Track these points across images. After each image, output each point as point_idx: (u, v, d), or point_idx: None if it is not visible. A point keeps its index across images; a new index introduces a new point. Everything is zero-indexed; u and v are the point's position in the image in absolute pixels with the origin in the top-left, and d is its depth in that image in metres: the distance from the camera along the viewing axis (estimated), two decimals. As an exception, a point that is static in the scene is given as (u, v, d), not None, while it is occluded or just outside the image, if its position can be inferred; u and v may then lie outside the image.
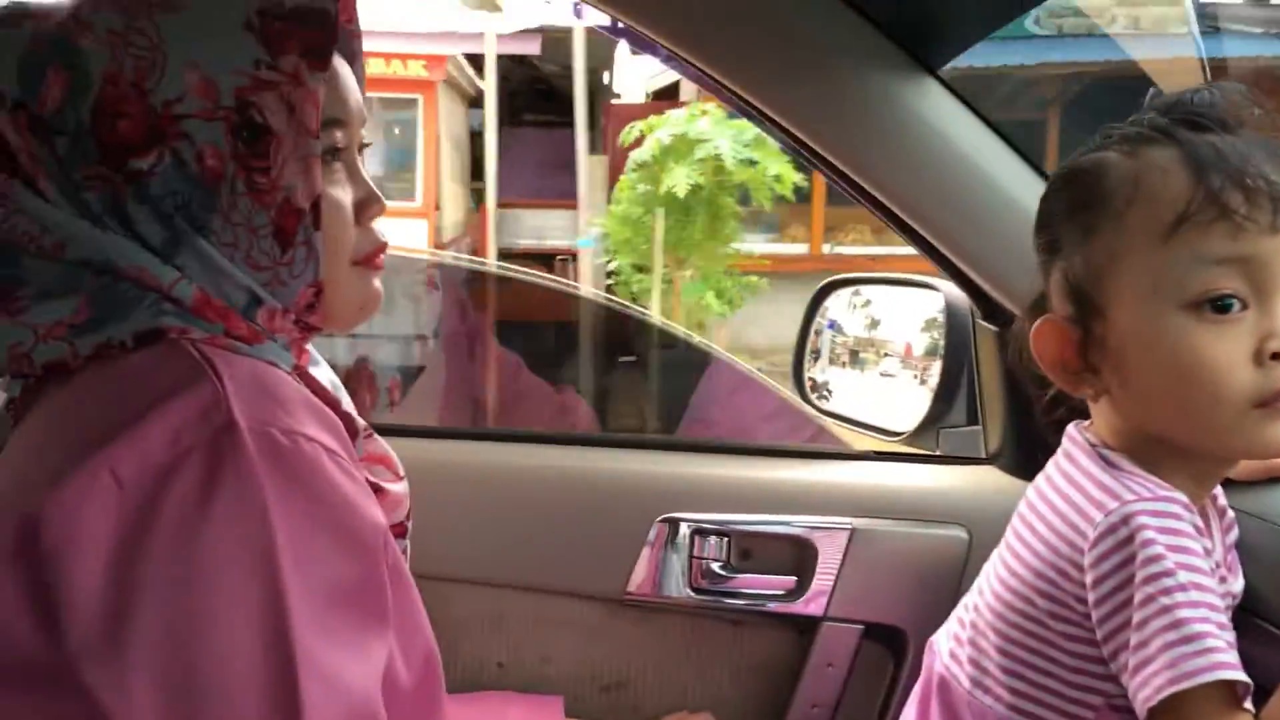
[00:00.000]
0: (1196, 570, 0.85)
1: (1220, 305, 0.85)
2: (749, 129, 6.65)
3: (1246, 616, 0.98)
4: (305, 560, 0.69)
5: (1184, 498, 0.89)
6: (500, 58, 9.95)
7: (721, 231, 7.07)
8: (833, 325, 1.70)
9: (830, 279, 1.66)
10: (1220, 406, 0.86)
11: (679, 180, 6.63)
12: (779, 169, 6.72)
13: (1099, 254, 0.90)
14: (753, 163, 6.70)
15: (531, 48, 9.97)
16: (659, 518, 1.41)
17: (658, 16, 1.22)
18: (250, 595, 0.66)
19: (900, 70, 1.23)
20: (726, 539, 1.41)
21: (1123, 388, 0.92)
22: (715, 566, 1.41)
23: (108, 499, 0.66)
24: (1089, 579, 0.88)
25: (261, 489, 0.68)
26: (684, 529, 1.41)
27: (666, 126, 6.89)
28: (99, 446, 0.67)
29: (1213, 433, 0.88)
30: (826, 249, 9.94)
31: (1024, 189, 1.21)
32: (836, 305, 1.69)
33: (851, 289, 1.68)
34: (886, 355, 1.58)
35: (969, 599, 1.06)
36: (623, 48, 9.59)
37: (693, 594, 1.41)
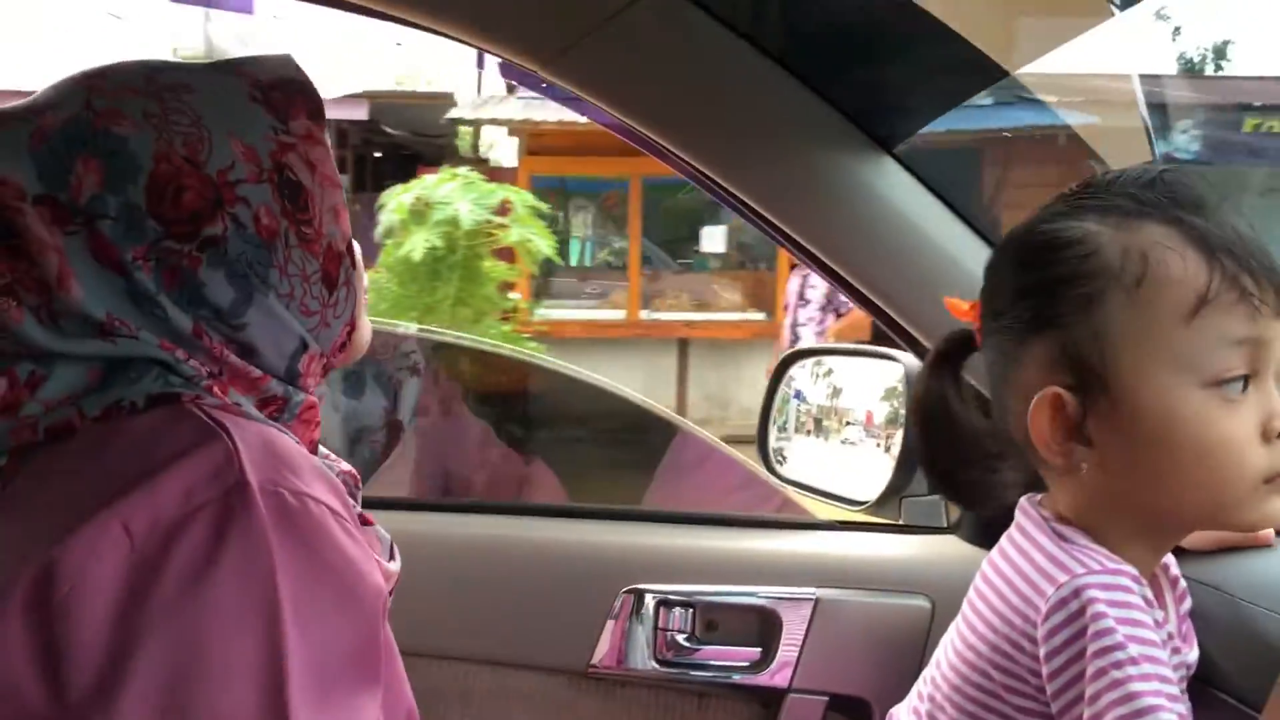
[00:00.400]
0: (1148, 643, 0.86)
1: (1232, 385, 0.87)
2: (492, 192, 6.67)
3: (1202, 686, 0.99)
4: (308, 621, 0.69)
5: (1133, 570, 0.90)
6: (358, 123, 10.15)
7: (477, 294, 6.95)
8: (799, 395, 1.72)
9: (792, 350, 1.68)
10: (1236, 483, 0.88)
11: (417, 244, 6.57)
12: (531, 236, 6.71)
13: (1110, 328, 0.89)
14: (503, 226, 6.64)
15: (358, 113, 10.02)
16: (624, 589, 1.41)
17: (621, 96, 1.25)
18: (250, 654, 0.67)
19: (859, 149, 1.26)
20: (692, 610, 1.41)
21: (1125, 462, 0.91)
22: (680, 638, 1.41)
23: (117, 553, 0.67)
24: (1042, 652, 0.89)
25: (269, 548, 0.69)
26: (649, 600, 1.41)
27: (411, 191, 6.81)
28: (111, 501, 0.68)
29: (1223, 508, 0.90)
30: (645, 315, 9.79)
31: (977, 262, 1.24)
32: (801, 376, 1.71)
33: (814, 359, 1.71)
34: (849, 424, 1.60)
35: (928, 671, 1.06)
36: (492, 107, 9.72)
37: (658, 666, 1.41)
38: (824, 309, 7.23)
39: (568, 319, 9.05)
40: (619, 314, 9.87)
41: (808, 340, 7.25)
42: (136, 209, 0.77)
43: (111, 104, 0.79)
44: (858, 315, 7.24)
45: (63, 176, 0.77)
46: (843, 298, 7.65)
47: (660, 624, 1.41)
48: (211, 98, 0.82)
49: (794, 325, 7.33)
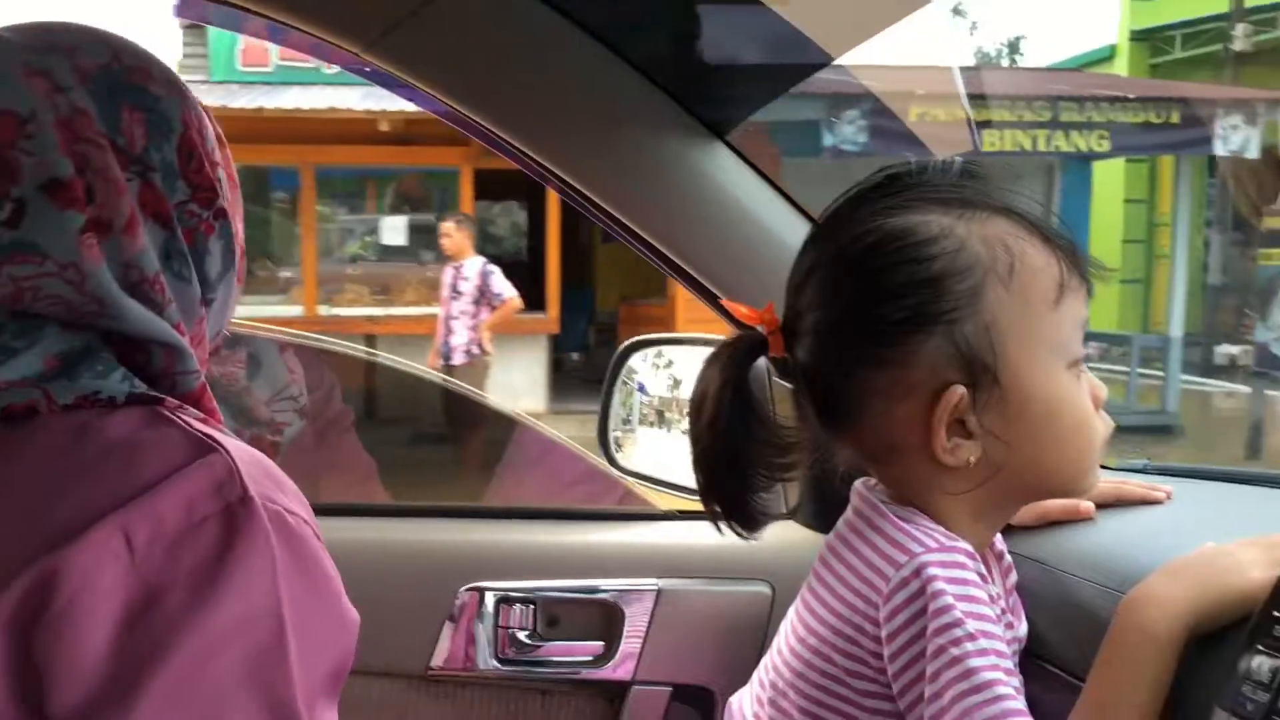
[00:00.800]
0: (984, 618, 0.88)
1: (1080, 363, 0.94)
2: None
3: (1031, 659, 1.02)
4: (305, 636, 0.69)
5: (968, 546, 0.92)
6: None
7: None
8: (641, 388, 1.71)
9: (630, 341, 1.67)
10: (1091, 452, 0.95)
11: None
12: None
13: (997, 320, 0.90)
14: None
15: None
16: (463, 588, 1.38)
17: (445, 80, 1.22)
18: (257, 668, 0.66)
19: (691, 135, 1.26)
20: (533, 606, 1.39)
21: (1011, 447, 0.92)
22: (522, 635, 1.38)
23: (118, 564, 0.65)
24: (884, 633, 0.90)
25: (273, 562, 0.68)
26: (489, 598, 1.38)
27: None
28: (111, 510, 0.66)
29: (1081, 476, 0.97)
30: (323, 310, 9.75)
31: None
32: (644, 368, 1.70)
33: (655, 350, 1.70)
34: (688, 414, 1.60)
35: (768, 658, 1.06)
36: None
37: (500, 665, 1.38)
38: (477, 302, 7.23)
39: (241, 317, 8.70)
40: (297, 310, 9.64)
41: (461, 334, 7.22)
42: (171, 167, 0.77)
43: (139, 62, 0.78)
44: (509, 308, 7.28)
45: (116, 122, 0.75)
46: (495, 290, 7.68)
47: (501, 622, 1.38)
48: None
49: (448, 318, 7.31)
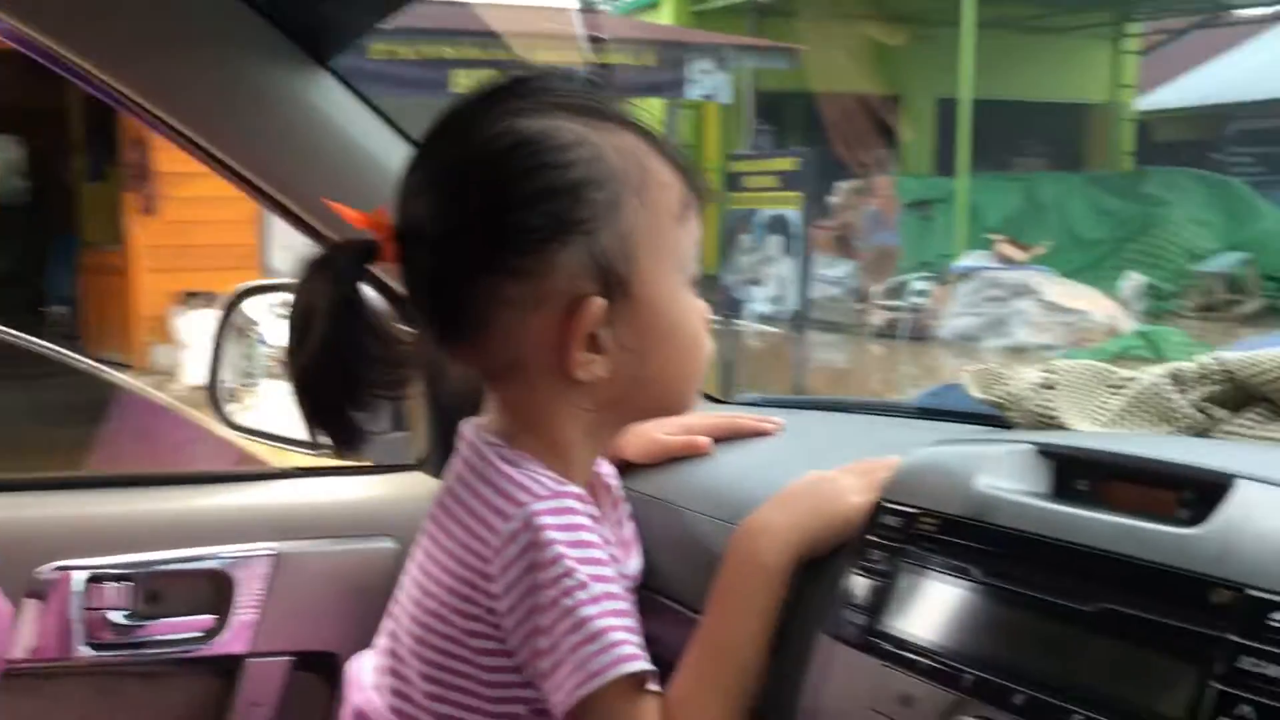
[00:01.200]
0: (597, 562, 0.86)
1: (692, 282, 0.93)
2: None
3: (648, 594, 1.01)
4: None
5: (579, 489, 0.90)
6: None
7: None
8: (263, 340, 1.59)
9: (243, 287, 1.53)
10: (703, 369, 0.96)
11: None
12: None
13: (632, 232, 0.88)
14: None
15: None
16: (44, 568, 1.22)
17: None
18: None
19: (290, 61, 1.16)
20: (130, 583, 1.25)
21: (638, 361, 0.90)
22: (118, 616, 1.25)
23: None
24: (497, 588, 0.86)
25: None
26: (76, 578, 1.23)
27: None
28: None
29: (692, 392, 0.97)
30: None
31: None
32: (266, 316, 1.57)
33: (274, 295, 1.58)
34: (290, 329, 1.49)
35: (387, 621, 1.00)
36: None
37: (92, 652, 1.24)
38: None
39: None
40: None
41: None
42: None
43: None
44: None
45: None
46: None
47: (92, 603, 1.23)
48: None
49: None
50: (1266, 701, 0.54)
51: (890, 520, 0.79)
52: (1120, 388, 1.04)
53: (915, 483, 0.80)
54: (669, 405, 0.99)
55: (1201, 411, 0.93)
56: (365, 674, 1.01)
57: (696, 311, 0.94)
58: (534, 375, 0.90)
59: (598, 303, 0.86)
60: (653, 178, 0.90)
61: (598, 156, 0.87)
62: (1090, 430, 0.96)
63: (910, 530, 0.77)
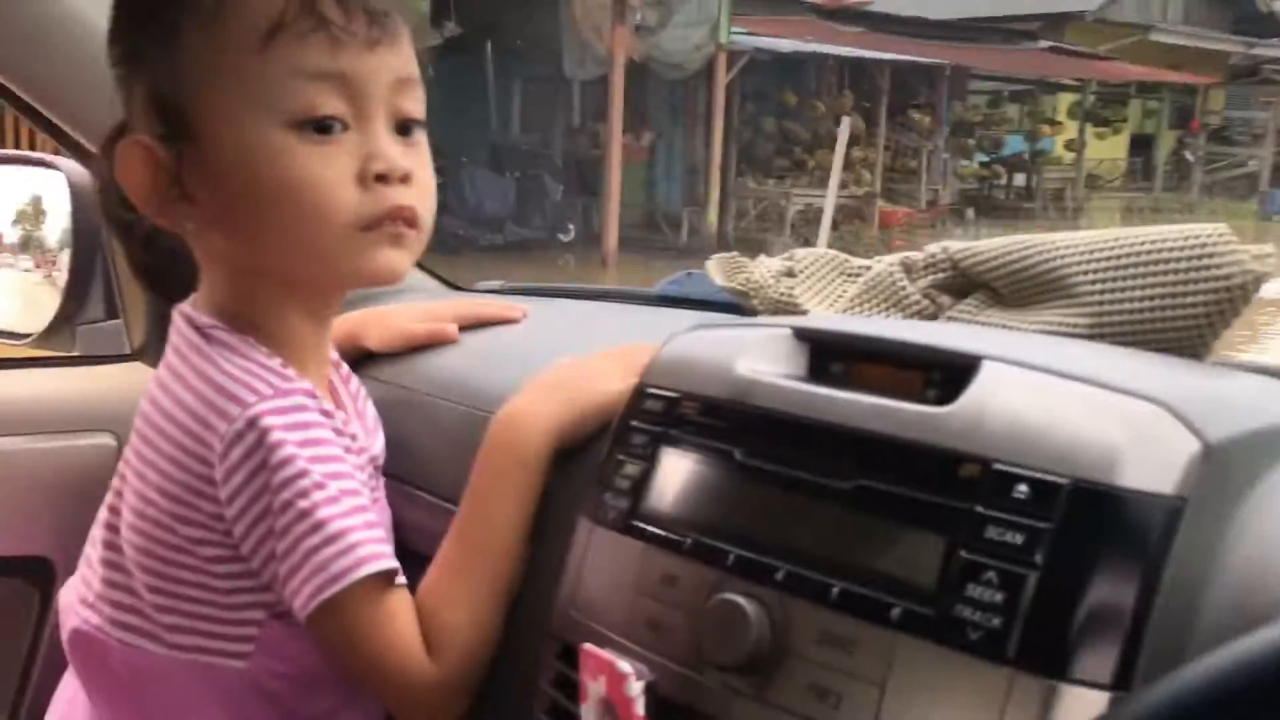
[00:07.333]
0: (333, 460, 0.82)
1: (321, 127, 0.80)
2: None
3: (397, 484, 0.99)
4: None
5: (307, 385, 0.85)
6: None
7: None
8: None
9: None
10: (324, 229, 0.81)
11: None
12: None
13: (190, 65, 0.80)
14: None
15: None
16: None
17: None
18: None
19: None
20: None
21: (225, 215, 0.83)
22: None
23: None
24: (223, 494, 0.81)
25: None
26: None
27: None
28: None
29: (319, 258, 0.83)
30: None
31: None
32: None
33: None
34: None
35: (97, 531, 0.93)
36: None
37: None
38: None
39: None
40: None
41: None
42: None
43: None
44: None
45: None
46: None
47: None
48: None
49: None
50: (1008, 567, 0.58)
51: (651, 405, 0.80)
52: (856, 275, 1.09)
53: (676, 367, 0.80)
54: (295, 273, 0.86)
55: (927, 298, 0.99)
56: (76, 591, 0.93)
57: (303, 159, 0.80)
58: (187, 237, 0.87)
59: (146, 142, 0.83)
60: (230, 1, 0.80)
61: None
62: (829, 315, 1.00)
63: (672, 414, 0.78)
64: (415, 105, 0.86)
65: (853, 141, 14.17)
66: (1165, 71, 20.73)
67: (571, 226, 13.61)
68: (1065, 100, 20.47)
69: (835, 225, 13.19)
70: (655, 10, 12.75)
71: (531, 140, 14.73)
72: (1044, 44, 19.54)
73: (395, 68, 0.83)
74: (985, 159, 19.07)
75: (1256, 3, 23.27)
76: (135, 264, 0.94)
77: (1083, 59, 19.72)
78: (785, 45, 14.77)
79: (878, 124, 16.16)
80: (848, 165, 14.17)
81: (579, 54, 12.70)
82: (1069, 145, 19.99)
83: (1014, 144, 19.28)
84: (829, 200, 8.90)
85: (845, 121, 8.23)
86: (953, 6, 19.57)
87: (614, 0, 12.04)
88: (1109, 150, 22.21)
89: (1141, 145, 22.86)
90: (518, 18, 12.65)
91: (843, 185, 14.06)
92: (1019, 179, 19.76)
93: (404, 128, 0.85)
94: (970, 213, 17.05)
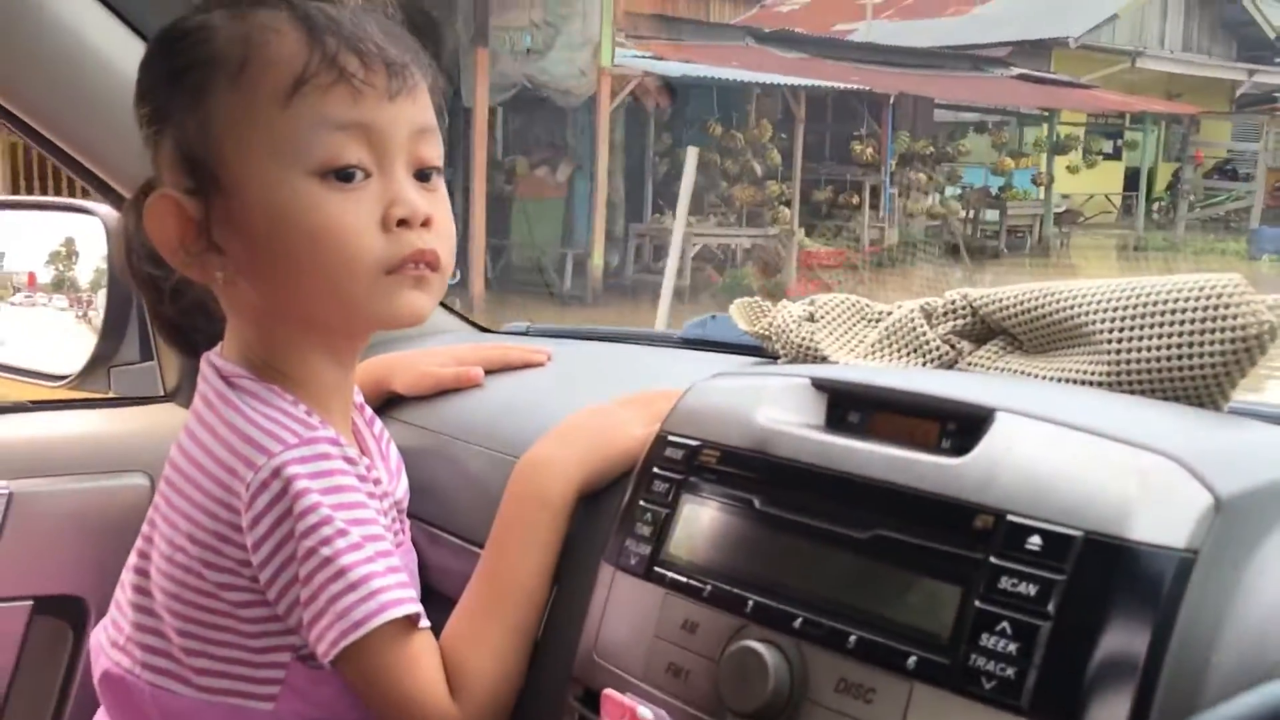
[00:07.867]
0: (356, 506, 0.84)
1: (344, 175, 0.83)
2: None
3: (422, 526, 1.01)
4: None
5: (331, 433, 0.86)
6: None
7: None
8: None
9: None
10: (350, 273, 0.83)
11: None
12: None
13: (215, 119, 0.83)
14: None
15: None
16: None
17: None
18: None
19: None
20: None
21: (253, 263, 0.85)
22: None
23: None
24: (249, 541, 0.83)
25: None
26: None
27: None
28: None
29: (346, 302, 0.85)
30: None
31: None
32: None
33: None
34: (21, 290, 1.39)
35: (128, 576, 0.94)
36: None
37: None
38: None
39: None
40: None
41: None
42: None
43: None
44: None
45: None
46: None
47: None
48: None
49: None
50: (1021, 618, 0.59)
51: (672, 453, 0.81)
52: (876, 321, 1.10)
53: (697, 416, 0.82)
54: (322, 318, 0.88)
55: (947, 343, 1.00)
56: (107, 633, 0.95)
57: (327, 207, 0.82)
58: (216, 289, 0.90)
59: (174, 196, 0.85)
60: (257, 56, 0.83)
61: (205, 41, 0.85)
62: (849, 361, 1.01)
63: (692, 461, 0.79)
64: (434, 153, 0.88)
65: (769, 175, 13.59)
66: (1151, 100, 19.83)
67: (458, 271, 12.74)
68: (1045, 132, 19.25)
69: (733, 264, 12.62)
70: (542, 32, 11.99)
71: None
72: (1014, 71, 18.56)
73: (414, 117, 0.86)
74: (957, 193, 17.36)
75: (1263, 28, 22.87)
76: (160, 319, 0.97)
77: (1056, 87, 18.70)
78: (674, 69, 13.43)
79: (793, 157, 14.49)
80: (763, 201, 13.54)
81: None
82: (1035, 180, 18.45)
83: (974, 177, 17.85)
84: (675, 240, 7.90)
85: (692, 152, 7.69)
86: (930, 36, 19.15)
87: (476, 21, 11.18)
88: (1098, 183, 21.04)
89: (1135, 179, 21.72)
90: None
91: (757, 223, 13.42)
92: (992, 214, 17.96)
93: (423, 174, 0.87)
94: (920, 253, 15.06)
